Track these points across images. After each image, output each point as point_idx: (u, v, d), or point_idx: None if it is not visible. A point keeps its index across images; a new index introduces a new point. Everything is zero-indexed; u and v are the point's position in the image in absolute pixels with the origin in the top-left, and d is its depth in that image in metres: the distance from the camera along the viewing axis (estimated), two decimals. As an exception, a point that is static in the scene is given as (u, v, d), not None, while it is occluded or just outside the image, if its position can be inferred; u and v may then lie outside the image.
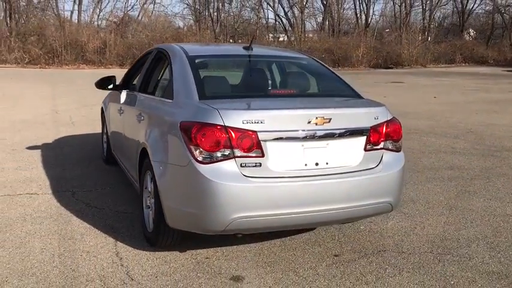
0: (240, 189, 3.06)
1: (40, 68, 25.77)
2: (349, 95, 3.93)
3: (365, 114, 3.49)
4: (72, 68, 26.39)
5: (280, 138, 3.15)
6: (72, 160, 6.30)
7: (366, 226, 4.26)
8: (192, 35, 31.48)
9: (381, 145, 3.48)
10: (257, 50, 4.26)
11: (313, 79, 4.11)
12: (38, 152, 6.66)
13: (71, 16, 34.36)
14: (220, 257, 3.57)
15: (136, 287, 3.12)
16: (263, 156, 3.11)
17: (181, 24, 38.79)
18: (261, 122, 3.08)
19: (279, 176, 3.15)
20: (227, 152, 3.07)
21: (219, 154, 3.07)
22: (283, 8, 40.44)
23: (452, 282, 3.31)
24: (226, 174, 3.06)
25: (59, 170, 5.81)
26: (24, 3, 31.47)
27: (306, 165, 3.24)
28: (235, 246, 3.74)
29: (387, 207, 3.54)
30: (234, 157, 3.08)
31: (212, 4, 37.91)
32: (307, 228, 4.03)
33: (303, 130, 3.18)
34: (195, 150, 3.08)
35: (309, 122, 3.18)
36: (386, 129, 3.50)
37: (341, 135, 3.30)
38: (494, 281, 3.34)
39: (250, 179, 3.09)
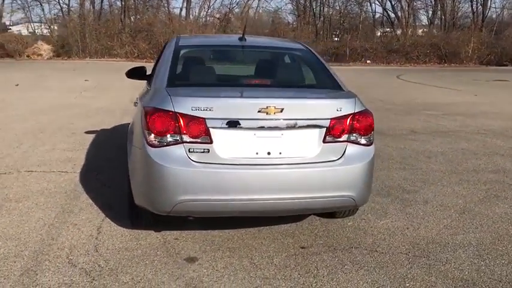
0: (186, 174, 3.19)
1: (146, 61, 27.62)
2: (328, 87, 3.84)
3: (324, 106, 3.41)
4: (174, 62, 27.90)
5: (229, 126, 3.21)
6: (115, 144, 6.79)
7: (354, 222, 4.14)
8: (291, 30, 31.70)
9: (344, 138, 3.38)
10: (250, 41, 4.31)
11: (298, 70, 4.08)
12: (92, 136, 7.29)
13: (180, 13, 36.48)
14: (188, 239, 3.72)
15: (96, 258, 3.38)
16: (211, 142, 3.20)
17: (290, 19, 39.14)
18: (210, 110, 3.17)
19: (227, 163, 3.22)
20: (176, 137, 3.20)
21: (169, 139, 3.22)
22: (391, 2, 39.03)
23: (408, 284, 3.14)
24: (173, 158, 3.20)
25: (98, 152, 6.35)
26: (139, 2, 33.97)
27: (257, 153, 3.26)
28: (209, 231, 3.85)
29: (349, 201, 3.43)
30: (183, 142, 3.20)
31: (315, -1, 37.71)
32: (291, 219, 4.04)
33: (253, 119, 3.21)
34: (149, 134, 3.26)
35: (259, 111, 3.20)
36: (351, 121, 3.38)
37: (295, 126, 3.27)
38: (456, 287, 3.11)
39: (196, 164, 3.20)
